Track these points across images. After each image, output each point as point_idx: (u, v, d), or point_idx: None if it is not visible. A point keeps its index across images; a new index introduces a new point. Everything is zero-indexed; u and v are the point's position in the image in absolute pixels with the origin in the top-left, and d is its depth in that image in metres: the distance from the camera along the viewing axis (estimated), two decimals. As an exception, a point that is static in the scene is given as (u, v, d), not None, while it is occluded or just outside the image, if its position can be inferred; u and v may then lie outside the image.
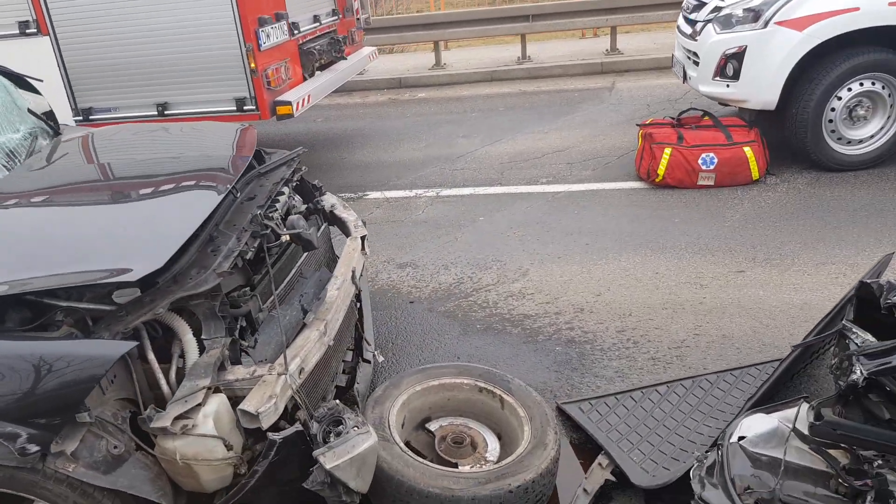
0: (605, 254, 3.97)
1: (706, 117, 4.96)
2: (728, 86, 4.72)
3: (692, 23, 5.16)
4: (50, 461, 1.64)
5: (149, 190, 2.28)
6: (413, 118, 7.59)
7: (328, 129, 7.58)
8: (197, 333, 1.95)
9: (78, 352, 1.66)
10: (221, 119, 4.95)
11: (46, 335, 1.76)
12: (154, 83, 5.29)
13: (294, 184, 2.73)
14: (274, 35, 5.25)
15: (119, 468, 1.71)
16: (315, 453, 1.78)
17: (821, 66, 4.39)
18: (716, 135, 4.73)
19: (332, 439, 1.87)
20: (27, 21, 5.28)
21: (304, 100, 5.34)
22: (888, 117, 4.51)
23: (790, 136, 4.70)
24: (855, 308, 2.07)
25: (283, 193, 2.54)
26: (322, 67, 6.20)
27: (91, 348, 1.68)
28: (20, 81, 3.45)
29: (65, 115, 5.43)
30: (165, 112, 5.33)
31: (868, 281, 1.93)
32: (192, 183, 2.29)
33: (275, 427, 1.88)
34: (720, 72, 4.73)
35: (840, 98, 4.46)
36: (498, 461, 2.25)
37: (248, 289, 2.14)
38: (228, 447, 1.80)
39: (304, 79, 5.76)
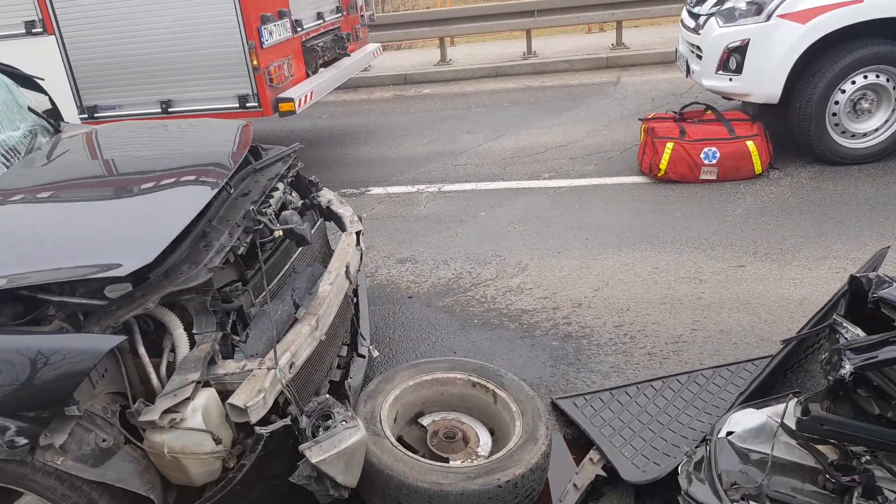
0: (604, 249, 3.96)
1: (708, 111, 4.93)
2: (731, 79, 4.68)
3: (695, 16, 5.12)
4: (39, 454, 1.66)
5: (142, 186, 2.30)
6: (418, 114, 7.59)
7: (333, 125, 7.59)
8: (188, 328, 1.97)
9: (67, 346, 1.68)
10: (225, 116, 4.99)
11: (37, 329, 1.78)
12: (158, 81, 5.33)
13: (289, 180, 2.74)
14: (276, 32, 5.27)
15: (107, 461, 1.73)
16: (301, 447, 1.80)
17: (824, 59, 4.35)
18: (718, 129, 4.70)
19: (320, 434, 1.88)
20: (33, 21, 5.34)
21: (306, 96, 5.36)
22: (893, 110, 4.46)
23: (793, 129, 4.66)
24: (848, 302, 2.05)
25: (277, 189, 2.55)
26: (325, 64, 6.23)
27: (80, 342, 1.70)
28: (23, 80, 3.49)
29: (70, 114, 5.49)
30: (169, 109, 5.37)
31: (858, 275, 1.92)
32: (186, 179, 2.31)
33: (266, 421, 1.89)
34: (723, 65, 4.70)
35: (844, 91, 4.42)
36: (489, 456, 2.26)
37: (240, 284, 2.15)
38: (217, 441, 1.81)
39: (308, 76, 5.78)
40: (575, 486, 2.20)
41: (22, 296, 1.81)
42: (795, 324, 3.02)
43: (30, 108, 3.14)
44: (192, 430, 1.75)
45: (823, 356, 1.88)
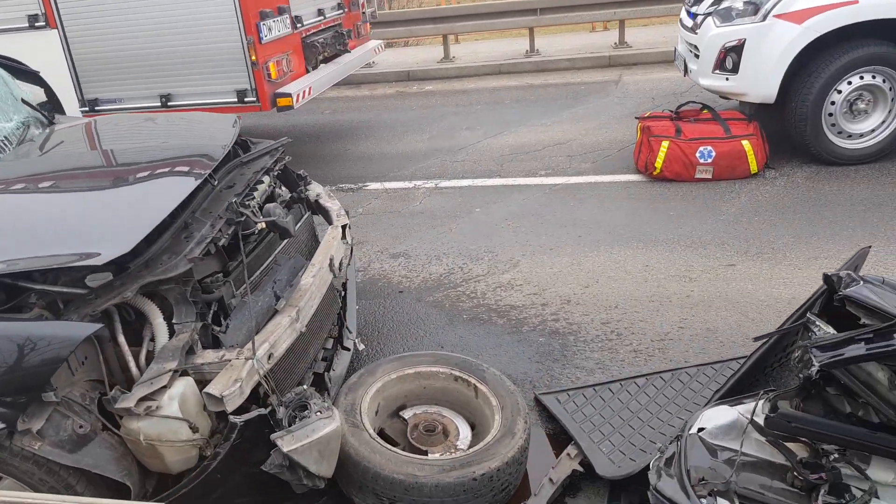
0: (596, 246, 3.96)
1: (705, 110, 4.93)
2: (727, 79, 4.67)
3: (693, 16, 5.12)
4: (17, 439, 1.69)
5: (127, 177, 2.33)
6: (419, 111, 7.60)
7: (334, 120, 7.62)
8: (169, 318, 1.99)
9: (44, 332, 1.71)
10: (223, 110, 5.02)
11: (16, 316, 1.81)
12: (158, 75, 5.38)
13: (276, 173, 2.76)
14: (276, 28, 5.30)
15: (84, 447, 1.75)
16: (273, 436, 1.82)
17: (820, 60, 4.34)
18: (714, 128, 4.69)
19: (296, 423, 1.90)
20: (36, 14, 5.40)
21: (304, 92, 5.38)
22: (889, 111, 4.44)
23: (790, 129, 4.65)
24: (824, 301, 2.05)
25: (262, 182, 2.56)
26: (326, 60, 6.24)
27: (57, 329, 1.73)
28: (24, 74, 3.53)
29: (72, 107, 5.54)
30: (168, 103, 5.42)
31: (830, 273, 1.92)
32: (169, 170, 2.33)
33: (245, 411, 1.92)
34: (720, 65, 4.69)
35: (840, 91, 4.40)
36: (468, 449, 2.27)
37: (221, 275, 2.17)
38: (194, 429, 1.84)
39: (307, 71, 5.80)
40: (551, 480, 2.21)
41: (3, 283, 1.84)
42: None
43: (24, 101, 3.17)
44: (167, 417, 1.77)
45: (796, 354, 1.89)
